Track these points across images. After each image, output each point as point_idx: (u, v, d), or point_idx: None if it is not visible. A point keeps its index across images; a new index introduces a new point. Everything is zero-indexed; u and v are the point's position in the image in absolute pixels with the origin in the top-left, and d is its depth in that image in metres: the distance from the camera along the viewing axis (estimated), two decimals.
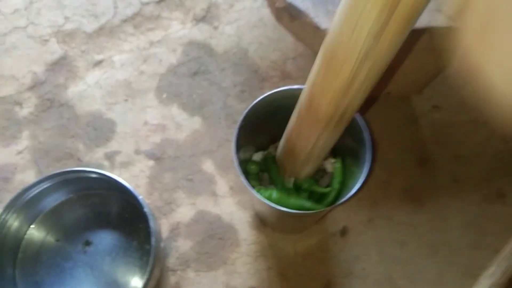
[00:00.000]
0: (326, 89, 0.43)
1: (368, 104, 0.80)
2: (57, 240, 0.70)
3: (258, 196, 0.53)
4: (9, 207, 0.64)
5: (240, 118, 0.56)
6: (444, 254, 0.71)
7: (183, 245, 0.71)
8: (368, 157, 0.53)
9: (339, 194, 0.61)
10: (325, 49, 0.41)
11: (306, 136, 0.52)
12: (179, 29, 0.88)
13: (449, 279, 0.70)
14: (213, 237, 0.71)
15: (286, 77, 0.84)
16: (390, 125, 0.79)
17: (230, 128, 0.79)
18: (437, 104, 0.82)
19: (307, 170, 0.59)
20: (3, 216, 0.64)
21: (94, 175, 0.66)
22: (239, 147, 0.56)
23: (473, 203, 0.74)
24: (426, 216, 0.74)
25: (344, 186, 0.60)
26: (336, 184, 0.61)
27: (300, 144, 0.54)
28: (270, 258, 0.70)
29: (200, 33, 0.87)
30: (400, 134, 0.79)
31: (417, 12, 0.35)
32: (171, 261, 0.70)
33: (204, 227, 0.72)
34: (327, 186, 0.62)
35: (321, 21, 0.59)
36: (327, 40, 0.41)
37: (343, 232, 0.72)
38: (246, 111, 0.56)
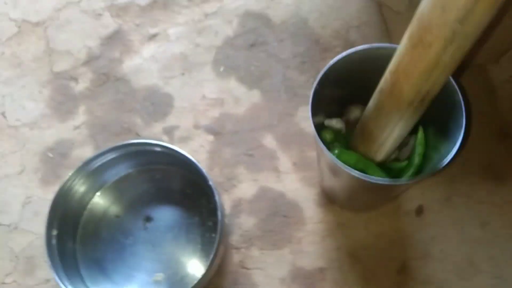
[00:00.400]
0: (410, 74, 0.42)
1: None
2: (117, 216, 0.68)
3: (336, 160, 0.48)
4: (72, 179, 0.62)
5: (315, 82, 0.52)
6: None
7: (246, 222, 0.67)
8: (462, 120, 0.47)
9: (420, 168, 0.55)
10: (411, 34, 0.41)
11: (383, 124, 0.50)
12: None
13: None
14: (277, 214, 0.68)
15: (349, 46, 0.77)
16: (467, 96, 0.73)
17: (290, 101, 0.75)
18: None
19: (381, 156, 0.54)
20: (65, 188, 0.62)
21: (158, 149, 0.63)
22: (313, 112, 0.51)
23: None
24: (509, 194, 0.67)
25: (427, 158, 0.55)
26: (416, 159, 0.55)
27: (376, 132, 0.51)
28: (339, 238, 0.66)
29: (256, 3, 0.83)
30: (477, 107, 0.72)
31: None
32: (235, 239, 0.67)
33: (267, 204, 0.68)
34: (407, 159, 0.57)
35: None
36: (413, 26, 0.40)
37: (419, 211, 0.67)
38: (321, 74, 0.52)
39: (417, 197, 0.67)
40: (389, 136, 0.49)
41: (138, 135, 0.74)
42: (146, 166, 0.68)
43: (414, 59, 0.41)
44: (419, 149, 0.55)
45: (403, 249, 0.65)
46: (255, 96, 0.76)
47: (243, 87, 0.76)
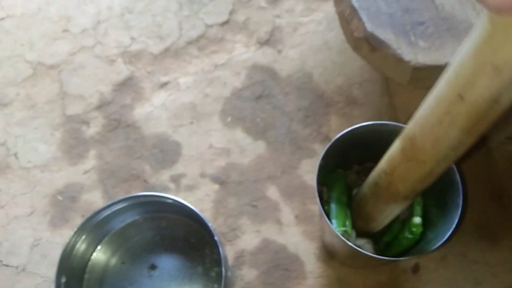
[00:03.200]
0: (406, 180, 0.46)
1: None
2: (123, 263, 0.70)
3: (339, 235, 0.51)
4: (80, 229, 0.65)
5: (320, 157, 0.55)
6: None
7: (248, 274, 0.69)
8: (459, 200, 0.50)
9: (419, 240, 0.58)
10: (404, 148, 0.44)
11: (381, 209, 0.53)
12: (243, 52, 0.87)
13: None
14: (279, 267, 0.70)
15: (351, 102, 0.82)
16: (462, 158, 0.76)
17: (294, 154, 0.78)
18: (511, 135, 0.78)
19: (378, 229, 0.58)
20: (73, 239, 0.64)
21: (168, 201, 0.66)
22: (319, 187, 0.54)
23: None
24: (503, 254, 0.70)
25: (425, 229, 0.57)
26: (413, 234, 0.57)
27: (374, 214, 0.55)
28: None
29: (263, 56, 0.87)
30: (474, 168, 0.75)
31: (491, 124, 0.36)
32: None
33: (269, 256, 0.70)
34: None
35: (404, 52, 0.57)
36: (406, 142, 0.44)
37: (415, 269, 0.69)
38: (325, 149, 0.55)
39: None
40: (386, 217, 0.52)
41: (146, 182, 0.76)
42: (152, 214, 0.71)
43: (409, 170, 0.44)
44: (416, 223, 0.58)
45: None
46: (260, 147, 0.79)
47: (249, 138, 0.79)
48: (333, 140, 0.54)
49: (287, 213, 0.73)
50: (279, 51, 0.87)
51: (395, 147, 0.45)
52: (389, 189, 0.48)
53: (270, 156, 0.78)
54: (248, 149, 0.78)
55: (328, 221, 0.52)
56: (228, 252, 0.71)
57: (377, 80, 0.82)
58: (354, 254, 0.55)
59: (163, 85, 0.85)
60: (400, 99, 0.80)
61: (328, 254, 0.69)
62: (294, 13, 0.89)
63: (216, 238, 0.61)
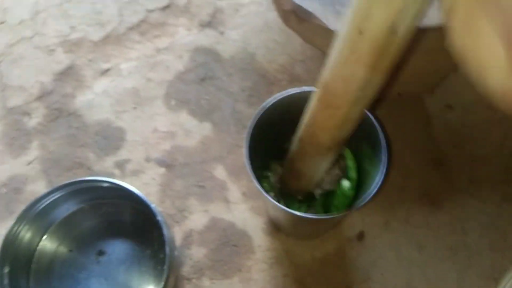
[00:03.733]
0: (325, 128, 0.47)
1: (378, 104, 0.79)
2: (70, 251, 0.69)
3: (272, 200, 0.51)
4: (21, 218, 0.63)
5: (249, 125, 0.55)
6: (463, 257, 0.70)
7: (197, 253, 0.69)
8: (384, 158, 0.51)
9: (355, 198, 0.59)
10: (320, 97, 0.45)
11: (309, 164, 0.54)
12: (185, 35, 0.87)
13: (469, 283, 0.68)
14: (227, 244, 0.70)
15: (294, 80, 0.83)
16: (403, 127, 0.78)
17: (239, 133, 0.78)
18: (450, 103, 0.80)
19: (312, 188, 0.59)
20: (15, 228, 0.63)
21: (105, 184, 0.65)
22: (251, 153, 0.55)
23: (492, 204, 0.73)
24: (444, 218, 0.72)
25: (361, 190, 0.59)
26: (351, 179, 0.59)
27: (304, 170, 0.55)
28: (286, 265, 0.69)
29: (206, 38, 0.86)
30: (414, 136, 0.78)
31: (396, 59, 0.38)
32: (186, 270, 0.69)
33: (217, 234, 0.71)
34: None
35: (330, 22, 0.58)
36: (321, 92, 0.45)
37: (360, 236, 0.70)
38: (254, 119, 0.55)
39: (358, 223, 0.71)
40: (315, 173, 0.53)
41: (90, 170, 0.75)
42: (97, 201, 0.70)
43: (326, 117, 0.45)
44: (351, 174, 0.59)
45: (346, 274, 0.68)
46: (205, 128, 0.79)
47: (194, 120, 0.79)
48: (261, 110, 0.55)
49: (234, 191, 0.74)
50: (221, 33, 0.87)
51: (313, 97, 0.46)
52: (312, 141, 0.49)
53: (216, 137, 0.78)
54: (193, 131, 0.78)
55: (259, 186, 0.52)
56: (177, 233, 0.71)
57: (318, 57, 0.84)
58: (290, 219, 0.56)
59: (105, 72, 0.83)
60: None
61: (274, 227, 0.70)
62: None
63: (158, 218, 0.61)
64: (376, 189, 0.50)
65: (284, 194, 0.62)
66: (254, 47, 0.85)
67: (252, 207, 0.72)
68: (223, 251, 0.70)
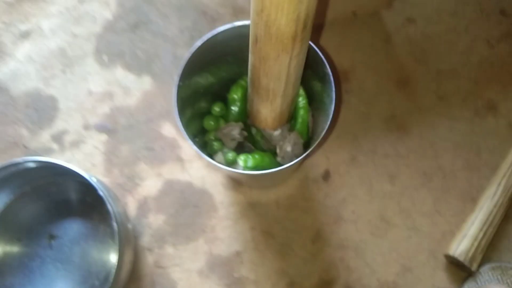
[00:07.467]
0: (281, 3, 0.36)
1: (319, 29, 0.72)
2: (19, 240, 0.64)
3: (212, 162, 0.46)
4: None
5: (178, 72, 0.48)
6: (438, 181, 0.66)
7: (155, 221, 0.65)
8: (332, 94, 0.45)
9: (310, 140, 0.54)
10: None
11: (277, 72, 0.44)
12: None
13: (447, 207, 0.65)
14: (187, 206, 0.65)
15: (239, 12, 0.74)
16: (362, 49, 0.71)
17: None
18: (410, 16, 0.73)
19: (281, 119, 0.52)
20: None
21: (38, 165, 0.58)
22: (183, 106, 0.48)
23: (463, 120, 0.68)
24: (414, 143, 0.67)
25: (315, 133, 0.53)
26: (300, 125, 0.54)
27: (272, 85, 0.46)
28: (252, 217, 0.65)
29: None
30: (374, 57, 0.71)
31: None
32: (146, 240, 0.64)
33: (175, 197, 0.66)
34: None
35: None
36: None
37: (326, 176, 0.66)
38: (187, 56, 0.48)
39: (322, 162, 0.66)
40: (288, 83, 0.45)
41: (26, 148, 0.68)
42: (37, 183, 0.64)
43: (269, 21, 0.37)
44: (302, 115, 0.54)
45: (315, 217, 0.64)
46: (145, 82, 0.71)
47: (131, 74, 0.71)
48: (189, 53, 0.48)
49: (187, 148, 0.68)
50: None
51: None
52: (271, 32, 0.39)
53: (158, 90, 0.70)
54: (132, 87, 0.70)
55: (191, 141, 0.46)
56: (130, 203, 0.65)
57: None
58: (244, 175, 0.51)
59: (25, 34, 0.73)
60: None
61: (235, 181, 0.65)
62: None
63: (100, 193, 0.55)
64: (328, 124, 0.44)
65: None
66: None
67: (209, 163, 0.67)
68: (184, 214, 0.65)
